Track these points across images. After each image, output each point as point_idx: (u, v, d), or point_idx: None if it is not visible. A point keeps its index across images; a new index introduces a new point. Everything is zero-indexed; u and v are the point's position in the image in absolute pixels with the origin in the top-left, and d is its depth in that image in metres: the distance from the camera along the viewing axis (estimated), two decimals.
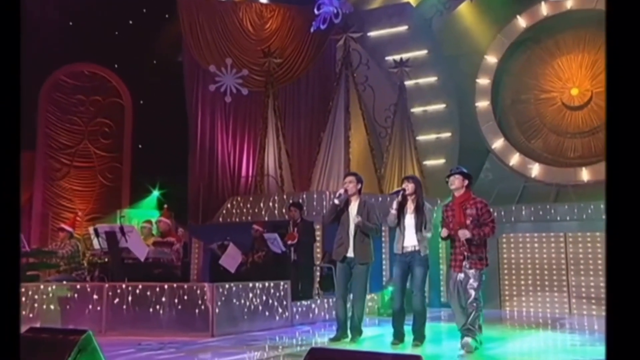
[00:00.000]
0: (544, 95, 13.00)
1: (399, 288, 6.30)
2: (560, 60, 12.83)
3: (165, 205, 8.95)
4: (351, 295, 6.60)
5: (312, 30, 12.81)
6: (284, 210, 10.73)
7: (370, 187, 11.55)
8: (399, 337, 6.32)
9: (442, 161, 13.22)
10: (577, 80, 12.57)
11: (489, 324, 8.53)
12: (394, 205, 6.23)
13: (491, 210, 6.05)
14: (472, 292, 5.86)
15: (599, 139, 12.40)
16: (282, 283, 7.93)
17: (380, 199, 10.06)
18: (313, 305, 8.48)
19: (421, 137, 13.45)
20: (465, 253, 5.88)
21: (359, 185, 6.58)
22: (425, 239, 6.29)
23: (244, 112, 13.12)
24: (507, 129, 13.16)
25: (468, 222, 5.86)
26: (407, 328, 6.39)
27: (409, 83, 13.59)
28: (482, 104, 13.16)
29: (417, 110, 13.71)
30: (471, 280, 5.87)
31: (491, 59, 13.21)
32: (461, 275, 5.92)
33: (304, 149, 13.41)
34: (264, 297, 7.64)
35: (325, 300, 8.73)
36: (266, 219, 10.80)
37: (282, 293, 7.91)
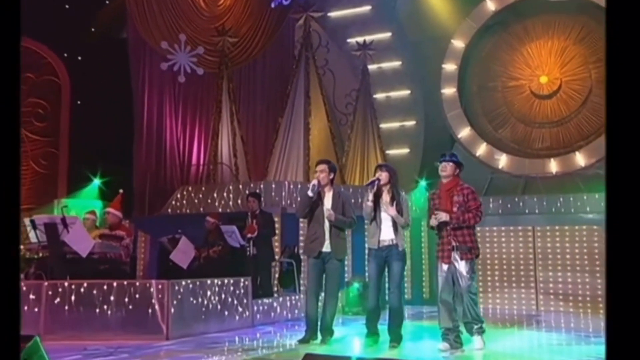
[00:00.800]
0: (512, 82, 13.03)
1: (374, 285, 6.17)
2: (529, 47, 12.89)
3: (121, 191, 8.47)
4: (323, 293, 6.47)
5: (273, 5, 12.45)
6: (239, 201, 10.47)
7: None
8: (373, 337, 6.19)
9: (406, 150, 13.17)
10: (547, 68, 12.64)
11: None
12: (369, 197, 6.09)
13: (478, 197, 6.05)
14: (470, 284, 5.86)
15: (567, 129, 12.54)
16: (242, 280, 7.67)
17: (342, 189, 9.86)
18: (275, 304, 8.28)
19: (384, 125, 13.36)
20: (454, 243, 5.85)
21: (332, 175, 6.42)
22: (402, 232, 6.19)
23: (196, 95, 12.65)
24: (473, 117, 13.12)
25: (455, 209, 5.84)
26: (381, 328, 6.28)
27: (371, 67, 13.45)
28: (448, 91, 13.10)
29: (380, 96, 13.61)
30: (464, 272, 5.85)
31: (458, 44, 13.17)
32: (451, 268, 5.89)
33: (260, 136, 13.09)
34: (223, 295, 7.38)
35: (288, 298, 8.53)
36: (220, 210, 10.51)
37: (242, 291, 7.64)
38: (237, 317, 7.53)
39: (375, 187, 6.10)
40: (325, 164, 6.46)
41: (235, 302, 7.53)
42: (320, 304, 6.45)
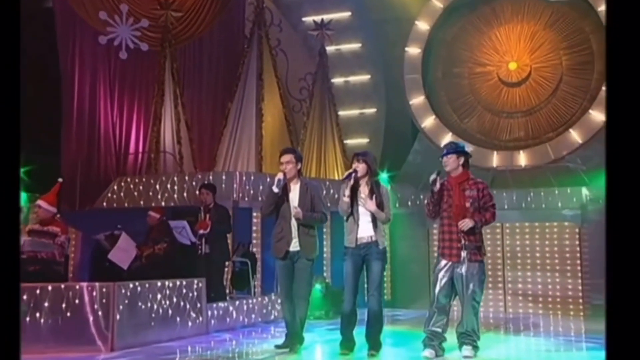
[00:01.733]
0: (479, 69, 12.99)
1: (351, 287, 5.94)
2: (498, 31, 12.86)
3: (60, 180, 7.88)
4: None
5: None
6: (185, 194, 10.08)
7: None
8: (348, 345, 5.99)
9: (365, 140, 13.00)
10: (516, 53, 12.63)
11: (414, 326, 8.40)
12: (346, 192, 5.88)
13: (492, 193, 6.01)
14: (475, 290, 5.76)
15: (537, 119, 12.58)
16: (195, 281, 7.27)
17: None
18: (230, 308, 7.97)
19: (342, 113, 13.17)
20: (463, 241, 5.75)
21: (299, 165, 6.22)
22: (383, 228, 6.03)
23: (135, 75, 12.00)
24: (437, 106, 13.02)
25: (467, 204, 5.78)
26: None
27: (329, 49, 13.19)
28: (412, 76, 12.95)
29: (338, 81, 13.38)
30: (471, 276, 5.75)
31: (422, 26, 13.04)
32: (458, 268, 5.78)
33: (207, 122, 12.59)
34: (175, 299, 6.99)
35: (245, 302, 8.21)
36: (163, 203, 10.08)
37: (195, 294, 7.27)
38: (190, 324, 7.17)
39: (352, 180, 5.89)
40: (291, 153, 6.24)
41: (188, 306, 7.17)
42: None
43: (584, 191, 11.06)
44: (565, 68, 12.39)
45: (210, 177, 9.89)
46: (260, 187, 10.07)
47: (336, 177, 12.33)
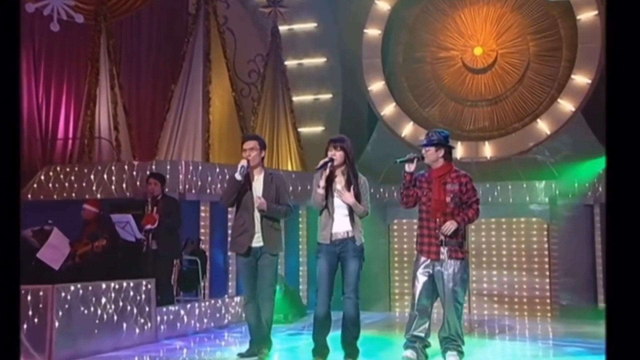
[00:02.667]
0: (442, 53, 12.97)
1: (325, 288, 5.75)
2: (463, 13, 12.84)
3: None
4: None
5: None
6: (124, 185, 9.69)
7: (237, 159, 10.74)
8: (322, 352, 5.81)
9: (319, 129, 12.83)
10: (481, 37, 12.64)
11: (382, 330, 8.46)
12: (321, 182, 5.71)
13: (476, 187, 5.93)
14: (456, 290, 5.68)
15: (502, 108, 12.66)
16: (144, 282, 6.95)
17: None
18: (182, 312, 7.70)
19: (295, 98, 12.98)
20: (442, 238, 5.69)
21: (263, 153, 6.10)
22: (360, 223, 5.88)
23: (64, 51, 11.38)
24: (398, 92, 12.97)
25: (448, 199, 5.73)
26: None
27: (282, 29, 12.91)
28: (370, 60, 12.87)
29: (290, 63, 13.13)
30: (452, 275, 5.68)
31: (383, 6, 12.94)
32: (438, 266, 5.72)
33: (147, 105, 12.13)
34: (121, 303, 6.67)
35: (197, 306, 7.98)
36: (99, 195, 9.64)
37: (143, 296, 6.93)
38: (137, 330, 6.87)
39: (328, 170, 5.72)
40: (255, 140, 6.15)
41: (135, 311, 6.85)
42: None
43: (553, 185, 11.15)
44: (532, 54, 12.50)
45: (153, 167, 9.52)
46: (209, 179, 9.78)
47: (289, 168, 12.12)
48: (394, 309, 11.54)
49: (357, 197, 5.75)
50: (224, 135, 11.58)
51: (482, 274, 11.15)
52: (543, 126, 12.04)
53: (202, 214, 9.71)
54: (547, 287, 10.87)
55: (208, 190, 9.60)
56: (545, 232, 11.01)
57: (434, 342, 5.92)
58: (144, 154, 11.41)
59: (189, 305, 7.87)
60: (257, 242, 5.89)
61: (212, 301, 8.39)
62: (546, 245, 10.98)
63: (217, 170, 9.91)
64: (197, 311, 7.94)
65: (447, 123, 12.69)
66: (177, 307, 7.64)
